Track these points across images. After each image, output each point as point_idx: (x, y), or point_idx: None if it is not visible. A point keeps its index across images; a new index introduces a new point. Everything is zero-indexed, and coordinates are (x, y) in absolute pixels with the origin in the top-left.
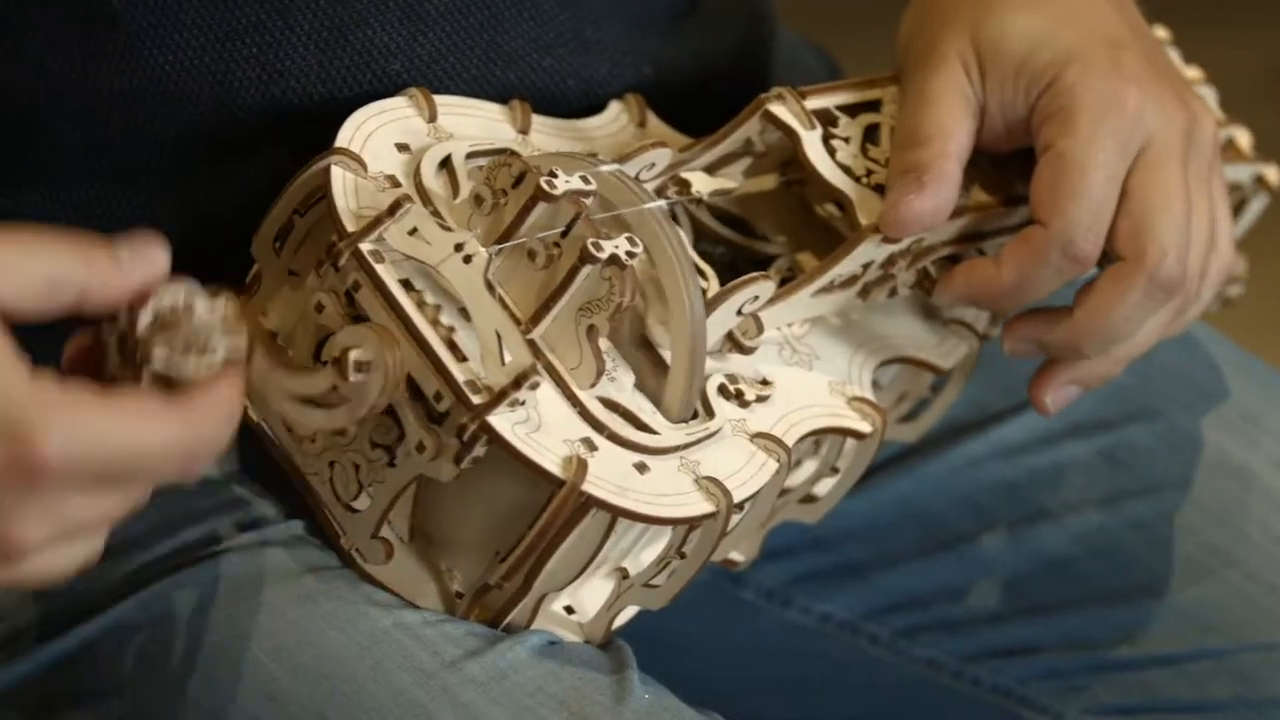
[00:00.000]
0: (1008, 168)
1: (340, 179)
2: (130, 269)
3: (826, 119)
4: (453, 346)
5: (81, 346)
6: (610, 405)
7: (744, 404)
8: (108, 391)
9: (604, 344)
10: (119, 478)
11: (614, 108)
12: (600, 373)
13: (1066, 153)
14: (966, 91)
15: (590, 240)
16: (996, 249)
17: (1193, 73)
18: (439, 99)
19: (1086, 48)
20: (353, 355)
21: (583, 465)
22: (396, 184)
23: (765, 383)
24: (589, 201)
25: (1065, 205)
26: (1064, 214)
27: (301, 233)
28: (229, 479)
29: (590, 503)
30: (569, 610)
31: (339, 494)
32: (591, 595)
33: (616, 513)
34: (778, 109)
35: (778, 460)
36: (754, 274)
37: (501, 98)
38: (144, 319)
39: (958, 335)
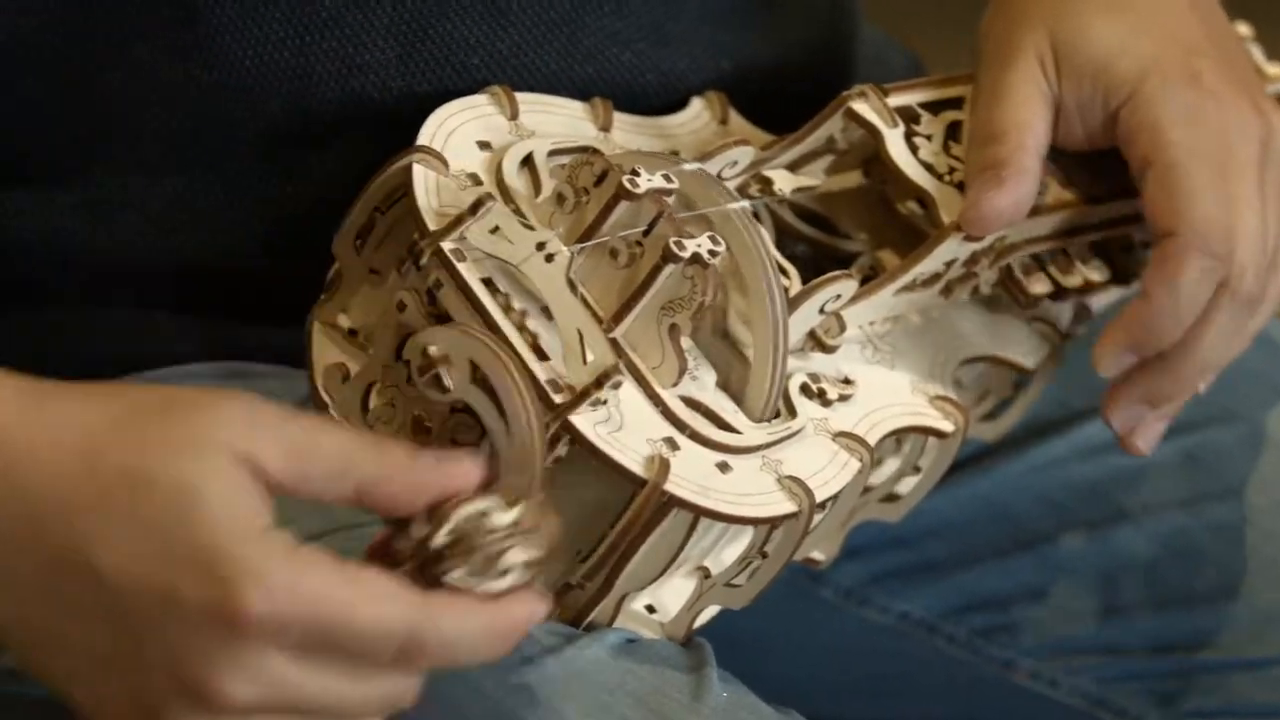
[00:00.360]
0: (1086, 167)
1: (422, 177)
2: (425, 473)
3: (909, 116)
4: (535, 346)
5: (376, 545)
6: (692, 404)
7: (826, 403)
8: (340, 566)
9: (686, 343)
10: (334, 648)
11: (696, 104)
12: (682, 372)
13: (1170, 162)
14: (1042, 86)
15: (673, 239)
16: (1080, 249)
17: (1275, 69)
18: (521, 96)
19: (1164, 58)
20: (430, 350)
21: (665, 465)
22: (478, 182)
23: (847, 381)
24: (671, 200)
25: (1187, 206)
26: (1190, 213)
27: (383, 231)
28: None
29: (672, 502)
30: (650, 609)
31: None
32: (673, 594)
33: (699, 512)
34: (860, 106)
35: (860, 460)
36: (836, 272)
37: (580, 93)
38: (441, 534)
39: (1040, 334)
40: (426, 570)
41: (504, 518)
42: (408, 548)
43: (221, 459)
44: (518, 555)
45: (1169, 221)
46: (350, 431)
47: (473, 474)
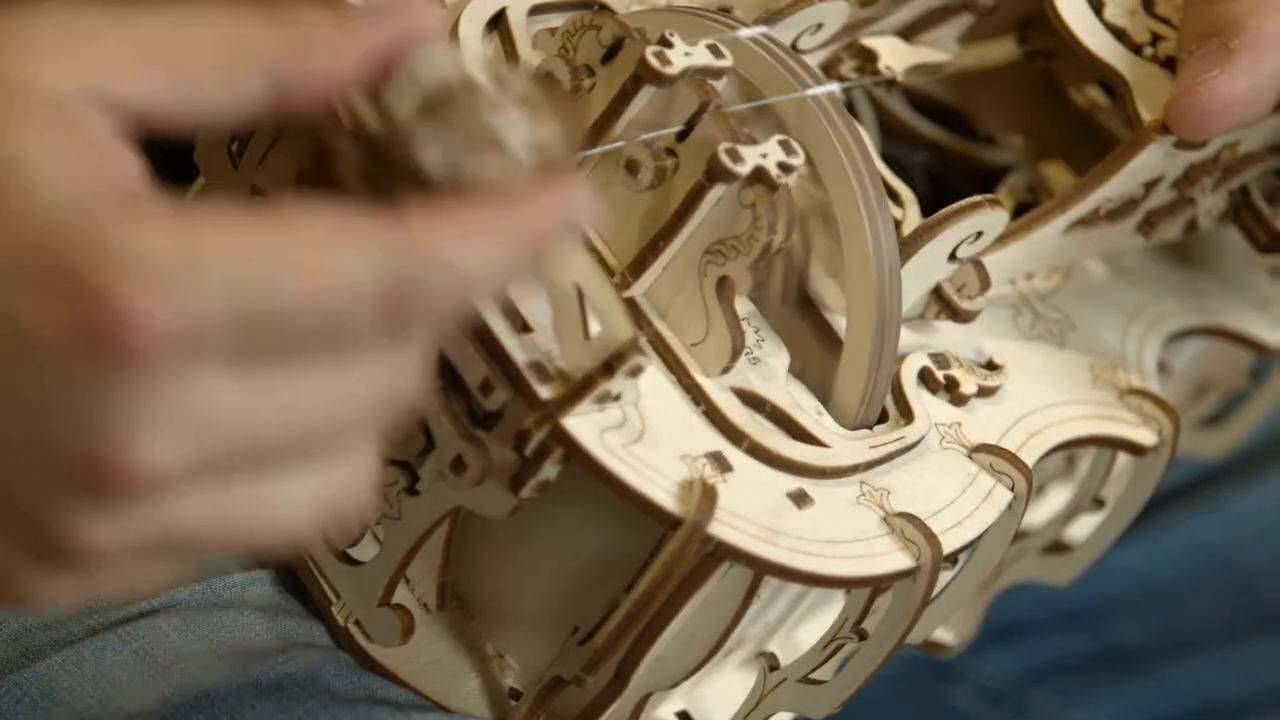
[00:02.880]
0: None
1: None
2: (364, 29)
3: None
4: (509, 310)
5: (300, 172)
6: (753, 401)
7: (959, 400)
8: (258, 210)
9: (744, 307)
10: (284, 341)
11: None
12: (738, 352)
13: None
14: None
15: (724, 146)
16: None
17: None
18: None
19: None
20: None
21: (710, 495)
22: None
23: (992, 366)
24: (721, 85)
25: None
26: None
27: (271, 131)
28: None
29: (721, 552)
30: (685, 719)
31: (330, 537)
32: (721, 695)
33: (761, 568)
34: None
35: (1011, 488)
36: (976, 197)
37: None
38: (397, 97)
39: None
40: (385, 169)
41: (490, 75)
42: (351, 148)
43: (40, 112)
44: (519, 126)
45: None
46: (233, 7)
47: (432, 12)
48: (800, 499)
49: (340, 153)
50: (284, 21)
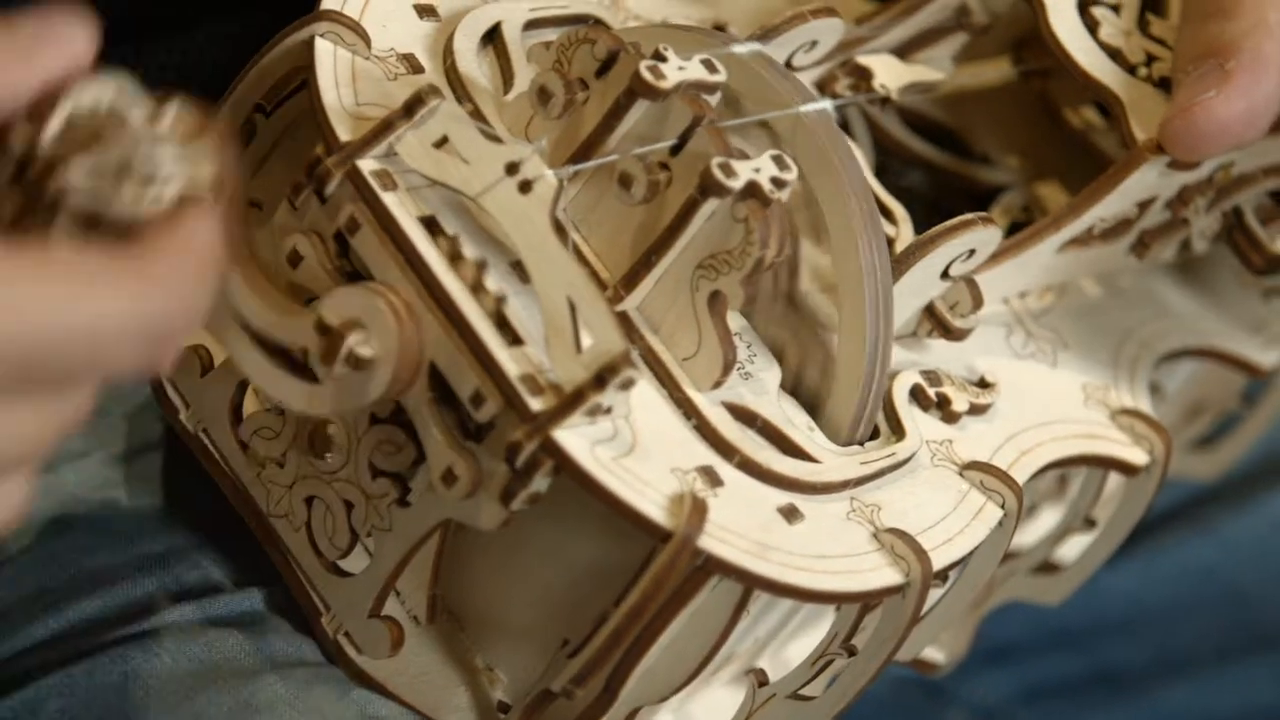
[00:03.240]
0: None
1: (329, 58)
2: (33, 54)
3: None
4: (502, 323)
5: None
6: (744, 415)
7: (951, 417)
8: (12, 247)
9: (736, 322)
10: (46, 378)
11: None
12: (729, 366)
13: None
14: None
15: (716, 160)
16: None
17: None
18: None
19: None
20: (350, 342)
21: (700, 508)
22: (417, 68)
23: (985, 384)
24: (715, 100)
25: None
26: None
27: (267, 142)
28: (150, 521)
29: (711, 566)
30: None
31: (320, 548)
32: (710, 711)
33: (750, 582)
34: None
35: (1002, 505)
36: (969, 215)
37: None
38: (51, 128)
39: None
40: (36, 195)
41: (143, 110)
42: (8, 168)
43: None
44: (170, 163)
45: None
46: None
47: (78, 41)
48: (790, 514)
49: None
50: None
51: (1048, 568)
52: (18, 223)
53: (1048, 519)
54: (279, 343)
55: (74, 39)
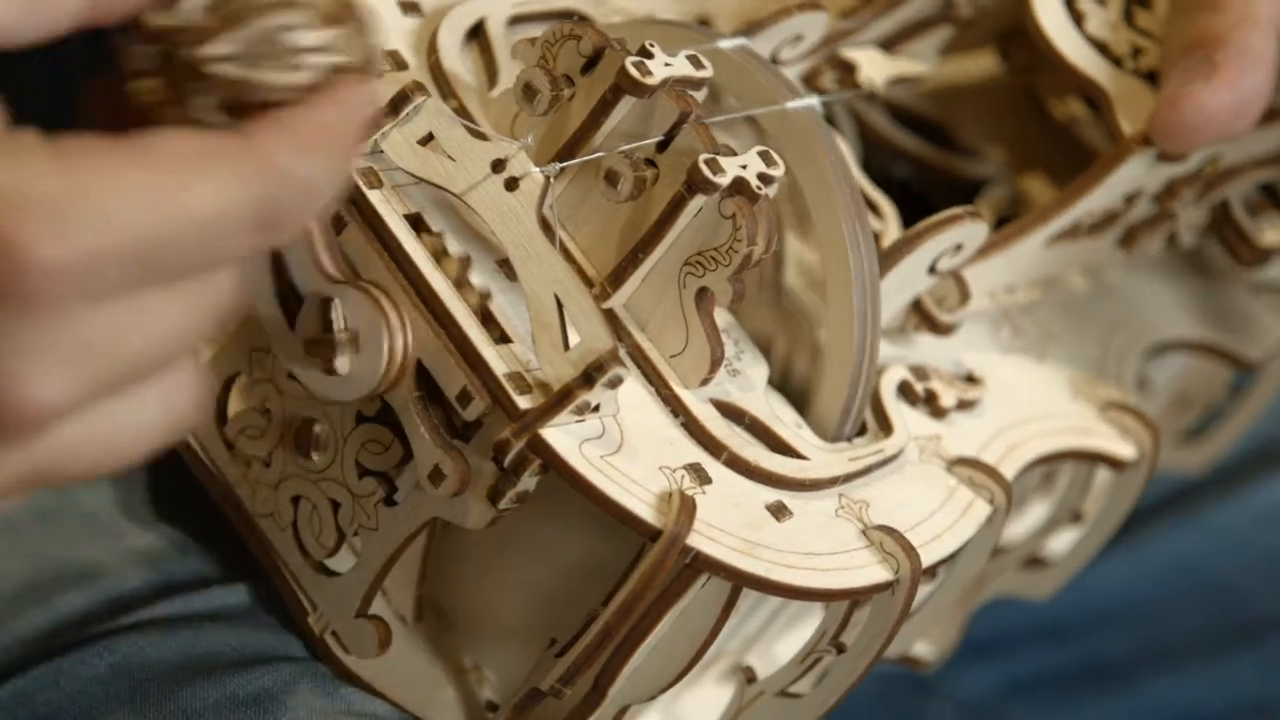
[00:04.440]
0: None
1: None
2: None
3: None
4: (488, 320)
5: (103, 92)
6: (732, 413)
7: (939, 413)
8: (114, 138)
9: (723, 318)
10: (164, 269)
11: None
12: (717, 363)
13: None
14: None
15: (703, 157)
16: None
17: None
18: None
19: None
20: (338, 335)
21: (689, 506)
22: (402, 64)
23: (972, 379)
24: (701, 96)
25: None
26: None
27: None
28: (138, 516)
29: (700, 564)
30: None
31: (307, 547)
32: (699, 708)
33: (739, 580)
34: None
35: (990, 501)
36: (956, 209)
37: None
38: (190, 6)
39: (1273, 309)
40: (173, 86)
41: None
42: (141, 55)
43: None
44: (306, 30)
45: None
46: None
47: None
48: (779, 511)
49: (139, 67)
50: None
51: (1036, 562)
52: (160, 111)
53: (1036, 513)
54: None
55: None
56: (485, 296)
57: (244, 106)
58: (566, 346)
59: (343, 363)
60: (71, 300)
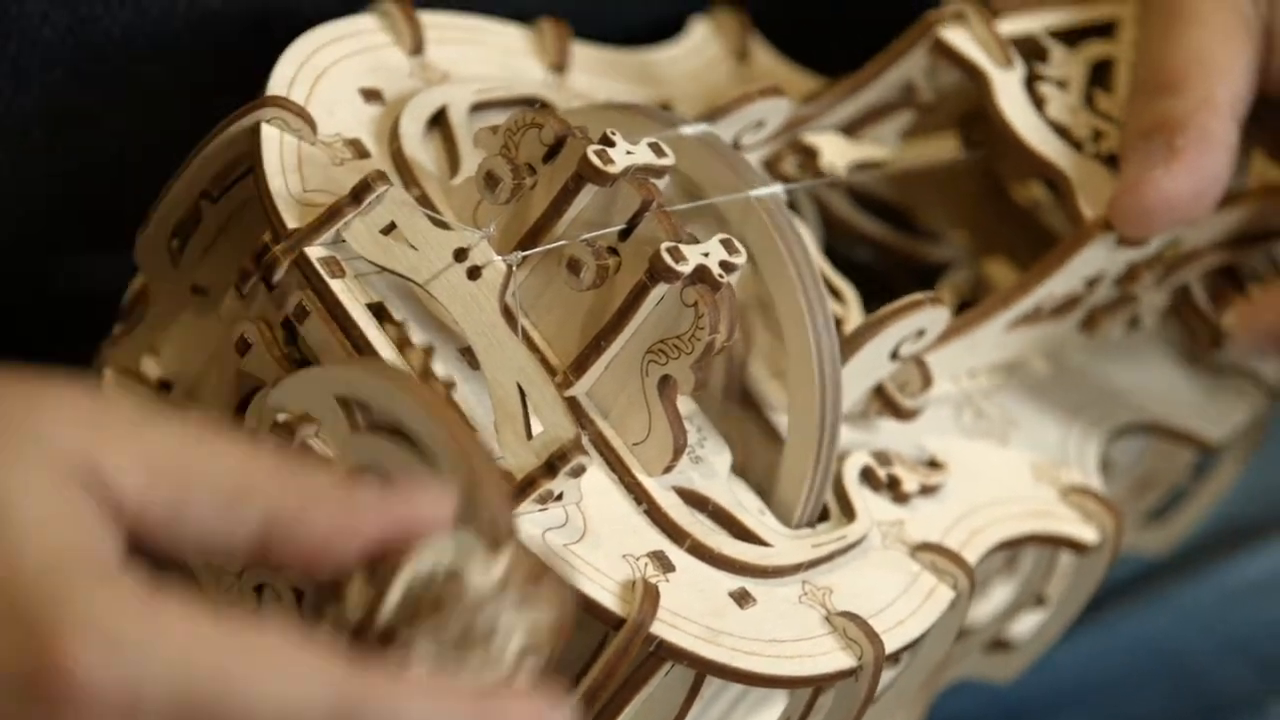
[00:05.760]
0: None
1: (276, 145)
2: (369, 502)
3: (1032, 51)
4: (449, 406)
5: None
6: (695, 500)
7: (901, 498)
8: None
9: (686, 406)
10: None
11: (699, 29)
12: (680, 451)
13: None
14: (1244, 9)
15: (665, 245)
16: None
17: None
18: (427, 17)
19: None
20: (301, 435)
21: (652, 594)
22: (363, 154)
23: (935, 464)
24: (664, 184)
25: None
26: None
27: (213, 228)
28: None
29: (664, 652)
30: None
31: None
32: None
33: (703, 668)
34: (954, 35)
35: (953, 585)
36: (918, 295)
37: (518, 11)
38: (391, 598)
39: (1234, 390)
40: (369, 643)
41: (483, 571)
42: (338, 625)
43: (45, 469)
44: (511, 625)
45: None
46: (248, 441)
47: (441, 504)
48: (742, 598)
49: (328, 620)
50: (295, 472)
51: (1000, 645)
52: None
53: (999, 595)
54: None
55: (435, 500)
56: (450, 386)
57: None
58: (529, 435)
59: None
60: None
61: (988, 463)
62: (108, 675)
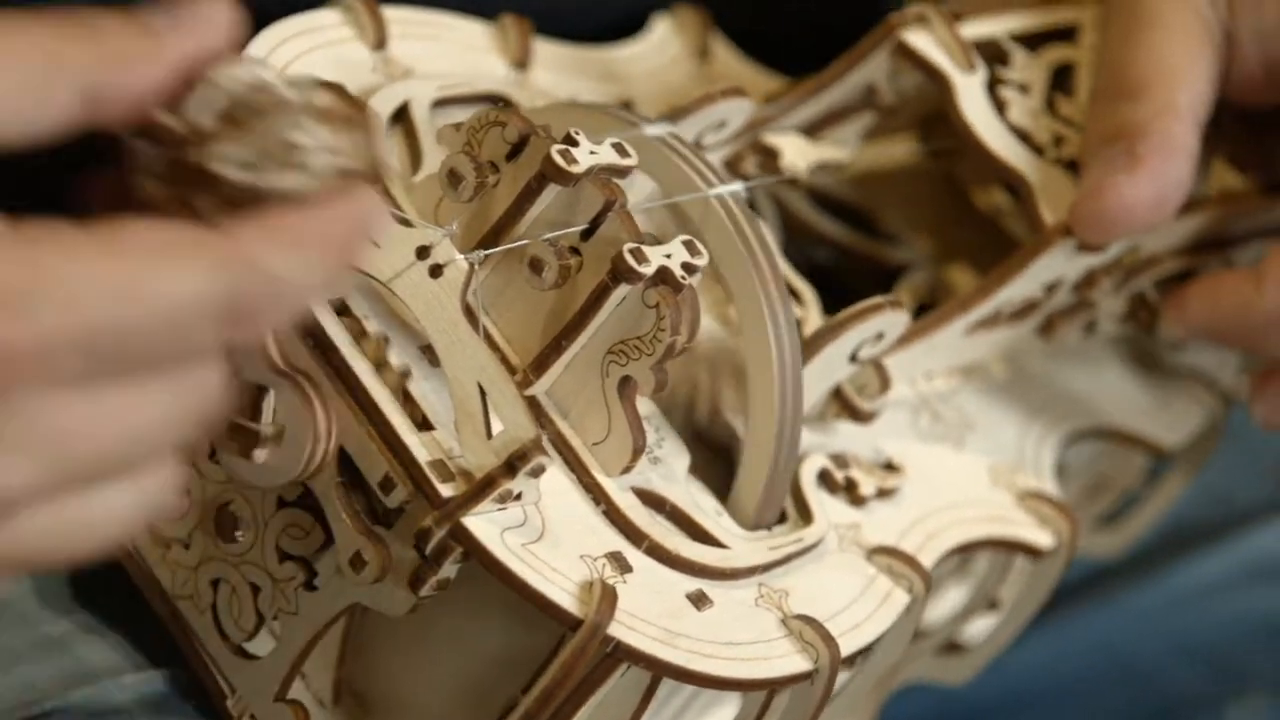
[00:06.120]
0: (1271, 136)
1: None
2: (170, 39)
3: (994, 55)
4: (411, 406)
5: (103, 184)
6: (653, 501)
7: (858, 501)
8: (83, 228)
9: (645, 407)
10: (131, 358)
11: (660, 27)
12: (639, 452)
13: None
14: (1204, 12)
15: (628, 246)
16: (1254, 261)
17: None
18: (390, 12)
19: None
20: (263, 427)
21: (610, 595)
22: None
23: (892, 467)
24: (626, 183)
25: None
26: None
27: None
28: (52, 601)
29: (620, 653)
30: None
31: (226, 631)
32: None
33: (659, 669)
34: (916, 38)
35: (909, 589)
36: (877, 298)
37: (485, 10)
38: (197, 109)
39: (1189, 395)
40: (187, 181)
41: (291, 90)
42: (148, 155)
43: None
44: (315, 135)
45: None
46: (31, 24)
47: (220, 21)
48: (699, 600)
49: (144, 166)
50: (96, 34)
51: (953, 648)
52: (164, 209)
53: (953, 598)
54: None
55: (210, 22)
56: (405, 375)
57: (249, 208)
58: (489, 434)
59: (261, 454)
60: (34, 386)
61: (944, 466)
62: (17, 333)
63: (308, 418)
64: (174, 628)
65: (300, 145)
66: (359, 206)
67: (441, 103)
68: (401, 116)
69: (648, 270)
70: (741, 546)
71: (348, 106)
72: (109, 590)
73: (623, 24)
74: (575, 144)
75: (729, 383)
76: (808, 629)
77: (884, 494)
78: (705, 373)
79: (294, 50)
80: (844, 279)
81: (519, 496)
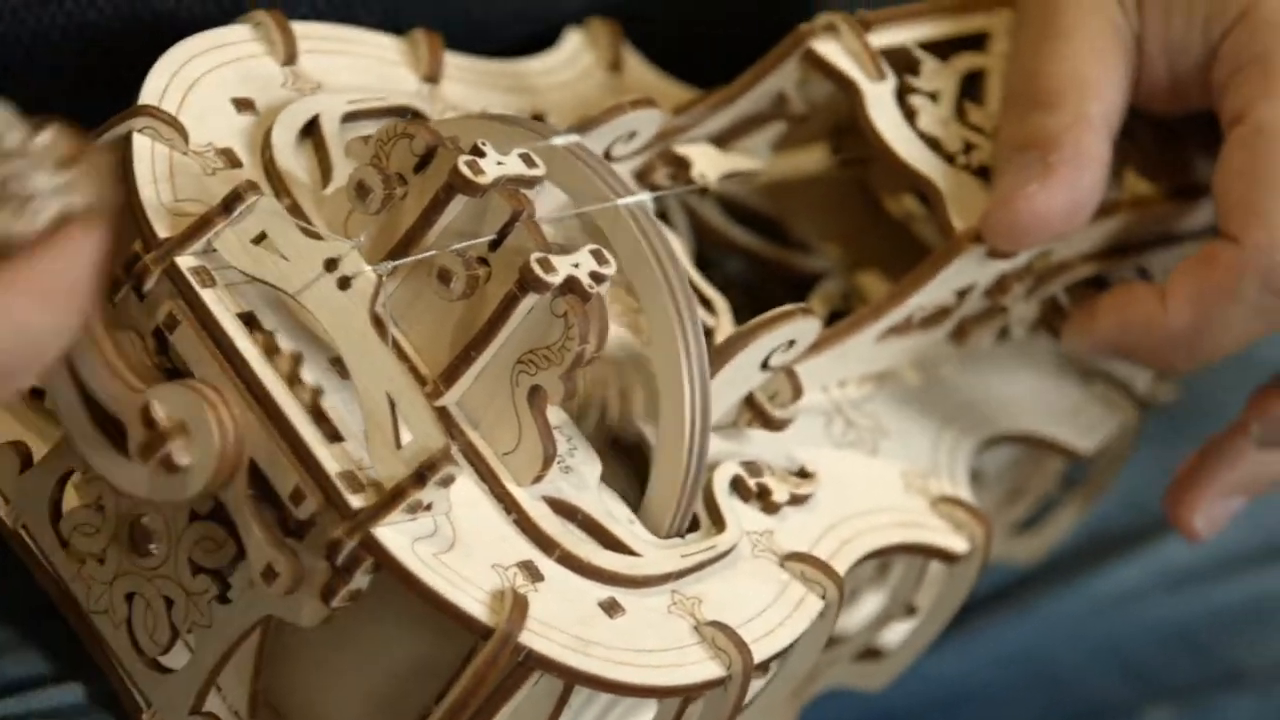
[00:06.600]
0: (1178, 143)
1: (147, 154)
2: None
3: (904, 63)
4: (320, 418)
5: None
6: (564, 510)
7: (771, 508)
8: None
9: (556, 416)
10: None
11: (572, 40)
12: (549, 461)
13: (1270, 127)
14: (1116, 21)
15: (535, 256)
16: (1165, 270)
17: None
18: (300, 28)
19: None
20: (170, 446)
21: (521, 604)
22: (235, 163)
23: (805, 474)
24: (534, 194)
25: (1268, 209)
26: (1267, 223)
27: None
28: None
29: (532, 662)
30: None
31: (140, 645)
32: None
33: (572, 678)
34: (826, 47)
35: (822, 595)
36: (789, 306)
37: (392, 22)
38: None
39: (1104, 402)
40: None
41: (19, 134)
42: None
43: None
44: (43, 178)
45: (1238, 222)
46: None
47: None
48: (611, 608)
49: None
50: None
51: (870, 654)
52: None
53: (869, 604)
54: (108, 411)
55: None
56: (317, 393)
57: None
58: (399, 445)
59: (179, 450)
60: None
61: (858, 473)
62: None
63: (201, 404)
64: (90, 643)
65: (23, 187)
66: (82, 247)
67: (352, 117)
68: (311, 131)
69: (555, 280)
70: (654, 554)
71: (72, 143)
72: (29, 602)
73: (543, 36)
74: (482, 155)
75: (640, 391)
76: (721, 635)
77: (797, 501)
78: (617, 381)
79: (204, 65)
80: (758, 288)
81: (429, 507)
